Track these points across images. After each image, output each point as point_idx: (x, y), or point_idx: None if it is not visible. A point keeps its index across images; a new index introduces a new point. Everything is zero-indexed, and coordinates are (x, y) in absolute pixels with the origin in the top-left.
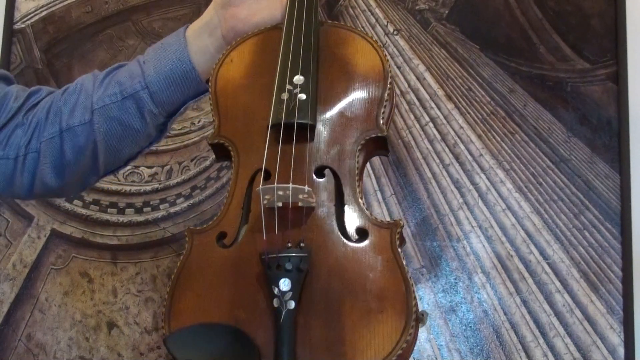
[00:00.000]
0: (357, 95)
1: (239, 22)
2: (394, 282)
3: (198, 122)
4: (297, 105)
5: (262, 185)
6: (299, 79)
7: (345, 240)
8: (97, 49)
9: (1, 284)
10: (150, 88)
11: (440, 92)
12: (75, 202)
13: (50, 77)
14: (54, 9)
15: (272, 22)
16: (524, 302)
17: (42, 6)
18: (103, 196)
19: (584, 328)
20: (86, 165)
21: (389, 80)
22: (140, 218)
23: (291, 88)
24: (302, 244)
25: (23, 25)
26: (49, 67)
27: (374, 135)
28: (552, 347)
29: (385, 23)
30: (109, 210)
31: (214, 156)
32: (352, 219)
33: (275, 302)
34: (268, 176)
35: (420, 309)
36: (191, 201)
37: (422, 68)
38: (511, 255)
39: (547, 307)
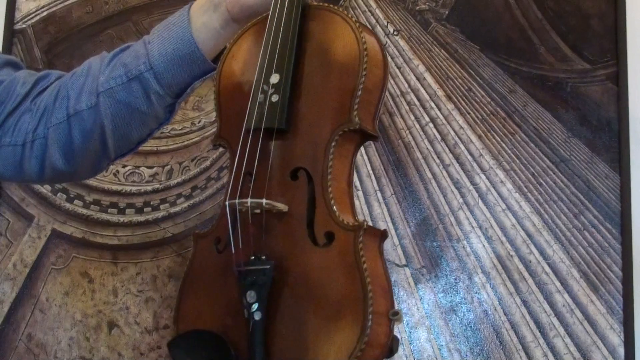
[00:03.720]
0: (333, 86)
1: None
2: (352, 288)
3: (198, 122)
4: (267, 108)
5: (229, 199)
6: (274, 77)
7: (312, 245)
8: (98, 49)
9: (2, 284)
10: (155, 69)
11: (441, 93)
12: (76, 202)
13: None
14: (54, 9)
15: None
16: (524, 302)
17: (43, 6)
18: (104, 196)
19: (584, 328)
20: (96, 149)
21: (364, 67)
22: (141, 218)
23: (266, 88)
24: (263, 257)
25: (24, 26)
26: (50, 68)
27: (346, 130)
28: (552, 347)
29: (386, 23)
30: (109, 210)
31: (214, 156)
32: (322, 222)
33: (245, 313)
34: (252, 179)
35: (395, 308)
36: (191, 201)
37: (422, 68)
38: (511, 256)
39: (547, 307)
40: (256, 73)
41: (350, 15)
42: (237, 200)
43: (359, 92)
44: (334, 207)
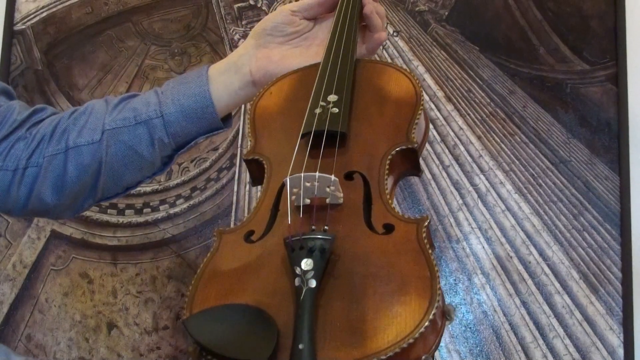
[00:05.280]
0: (390, 113)
1: (271, 64)
2: (418, 268)
3: None
4: (329, 116)
5: (290, 176)
6: (333, 97)
7: (370, 232)
8: (98, 50)
9: (1, 285)
10: (165, 117)
11: (440, 94)
12: None
13: (50, 78)
14: (54, 10)
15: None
16: (524, 303)
17: (43, 7)
18: None
19: (583, 329)
20: (85, 186)
21: (422, 103)
22: (140, 219)
23: (324, 104)
24: (326, 227)
25: (23, 27)
26: (49, 68)
27: (404, 147)
28: (551, 348)
29: (385, 24)
30: (108, 211)
31: (213, 157)
32: (379, 216)
33: (297, 281)
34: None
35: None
36: (191, 202)
37: (422, 69)
38: (511, 257)
39: (546, 308)
40: (312, 94)
41: (399, 66)
42: (302, 174)
43: (416, 121)
44: (392, 205)
